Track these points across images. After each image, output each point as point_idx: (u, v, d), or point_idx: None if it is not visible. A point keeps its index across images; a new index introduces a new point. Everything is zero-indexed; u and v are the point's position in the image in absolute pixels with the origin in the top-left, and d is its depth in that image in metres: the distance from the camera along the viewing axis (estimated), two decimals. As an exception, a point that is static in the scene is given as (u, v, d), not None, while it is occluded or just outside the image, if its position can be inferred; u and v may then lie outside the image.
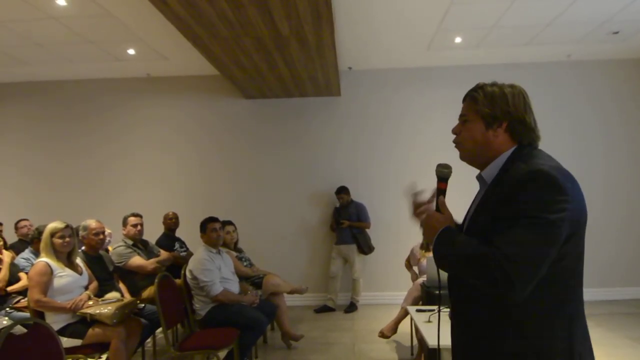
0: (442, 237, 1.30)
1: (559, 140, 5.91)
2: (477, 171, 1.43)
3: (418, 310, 3.52)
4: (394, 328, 4.27)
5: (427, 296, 4.04)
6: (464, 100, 1.43)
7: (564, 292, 1.21)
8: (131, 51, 5.60)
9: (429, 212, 1.40)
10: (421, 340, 3.47)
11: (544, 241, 1.13)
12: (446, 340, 1.46)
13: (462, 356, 1.36)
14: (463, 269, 1.24)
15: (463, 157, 1.42)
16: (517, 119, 1.33)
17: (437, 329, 1.54)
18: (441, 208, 1.40)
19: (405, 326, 4.24)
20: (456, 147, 1.43)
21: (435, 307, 3.39)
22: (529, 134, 1.34)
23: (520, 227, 1.13)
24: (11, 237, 5.33)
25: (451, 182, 1.47)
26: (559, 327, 1.19)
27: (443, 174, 1.46)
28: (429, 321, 3.18)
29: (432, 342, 2.73)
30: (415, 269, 4.56)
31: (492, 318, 1.25)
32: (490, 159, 1.36)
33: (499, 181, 1.29)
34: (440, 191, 1.44)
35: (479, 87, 1.39)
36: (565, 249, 1.17)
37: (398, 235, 6.02)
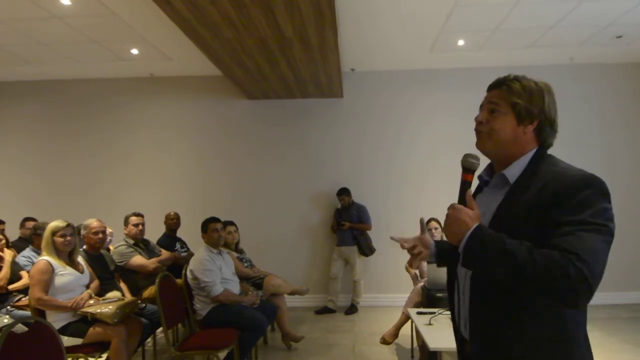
0: (479, 237, 1.16)
1: (559, 144, 5.85)
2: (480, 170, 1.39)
3: (419, 313, 3.51)
4: (395, 333, 4.27)
5: (427, 299, 4.04)
6: (494, 87, 1.33)
7: None
8: (135, 51, 5.61)
9: (455, 205, 1.23)
10: (422, 343, 3.47)
11: (608, 248, 1.11)
12: (446, 343, 1.46)
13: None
14: (524, 274, 1.08)
15: (484, 147, 1.33)
16: (549, 119, 1.29)
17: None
18: (469, 203, 1.24)
19: (406, 329, 4.23)
20: (479, 135, 1.33)
21: (435, 310, 3.39)
22: (552, 137, 1.31)
23: (589, 233, 1.08)
24: (13, 236, 5.34)
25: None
26: (573, 322, 1.20)
27: (471, 165, 1.32)
28: (430, 324, 3.17)
29: (432, 344, 2.73)
30: (417, 272, 4.56)
31: (522, 322, 1.19)
32: (512, 156, 1.29)
33: (528, 184, 1.22)
34: (466, 183, 1.30)
35: (515, 78, 1.30)
36: None
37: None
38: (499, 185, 1.32)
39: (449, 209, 1.24)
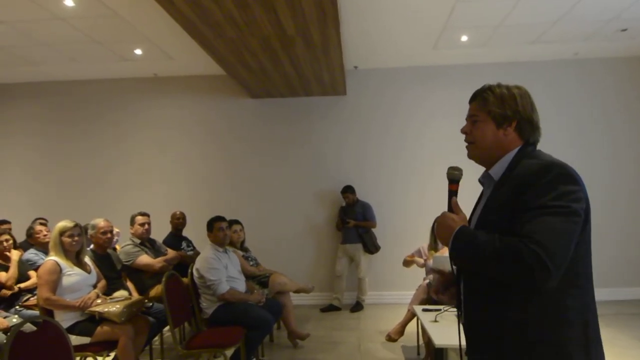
0: (461, 236, 1.31)
1: (563, 138, 5.88)
2: (480, 171, 1.47)
3: (424, 310, 3.51)
4: (401, 331, 4.27)
5: (433, 296, 4.04)
6: (473, 100, 1.47)
7: (575, 279, 1.25)
8: (138, 51, 5.63)
9: (444, 213, 1.42)
10: (428, 340, 3.47)
11: (571, 228, 1.19)
12: (452, 340, 1.47)
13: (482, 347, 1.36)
14: (491, 264, 1.22)
15: (473, 156, 1.46)
16: (526, 118, 1.38)
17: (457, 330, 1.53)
18: (454, 208, 1.43)
19: (411, 326, 4.24)
20: (467, 146, 1.47)
21: (441, 307, 3.39)
22: (534, 132, 1.41)
23: (547, 216, 1.17)
24: (20, 237, 5.38)
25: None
26: (571, 314, 1.24)
27: (454, 176, 1.51)
28: (435, 321, 3.17)
29: (438, 341, 2.73)
30: (419, 260, 4.53)
31: (509, 306, 1.26)
32: (499, 156, 1.40)
33: (507, 179, 1.33)
34: (452, 192, 1.49)
35: (488, 89, 1.43)
36: (580, 237, 1.23)
37: (404, 235, 6.01)
38: (487, 185, 1.45)
39: (438, 217, 1.42)
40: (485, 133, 1.41)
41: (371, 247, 6.04)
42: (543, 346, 1.22)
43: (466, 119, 1.49)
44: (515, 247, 1.16)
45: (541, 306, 1.23)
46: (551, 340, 1.22)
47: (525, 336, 1.24)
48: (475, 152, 1.45)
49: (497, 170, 1.40)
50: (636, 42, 5.74)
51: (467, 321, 1.41)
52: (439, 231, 1.39)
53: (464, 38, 5.48)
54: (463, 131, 1.48)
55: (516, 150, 1.39)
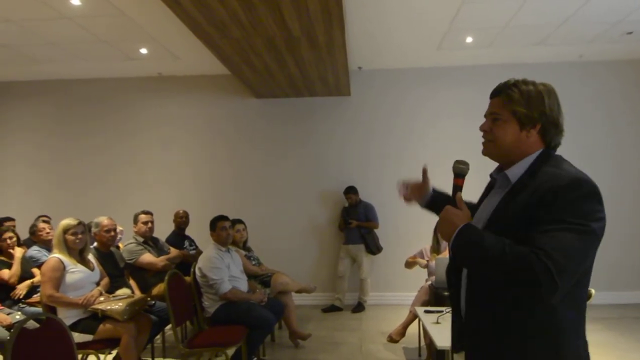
0: (465, 234, 1.26)
1: (567, 141, 5.77)
2: (489, 169, 1.44)
3: (426, 312, 3.51)
4: (403, 332, 4.27)
5: (435, 297, 4.03)
6: (495, 95, 1.37)
7: (578, 291, 1.25)
8: (144, 50, 5.65)
9: (447, 207, 1.34)
10: (429, 341, 3.47)
11: (586, 247, 1.16)
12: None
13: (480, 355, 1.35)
14: (497, 267, 1.18)
15: (488, 153, 1.40)
16: (552, 121, 1.32)
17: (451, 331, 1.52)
18: (459, 204, 1.35)
19: (413, 327, 4.23)
20: (485, 143, 1.40)
21: (443, 308, 3.39)
22: (558, 137, 1.35)
23: (567, 232, 1.14)
24: (25, 234, 5.41)
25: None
26: (571, 319, 1.24)
27: (460, 170, 1.43)
28: (438, 322, 3.17)
29: (440, 343, 2.73)
30: (422, 261, 4.52)
31: (512, 315, 1.25)
32: (517, 158, 1.34)
33: (527, 185, 1.27)
34: (457, 187, 1.41)
35: (513, 85, 1.34)
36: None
37: (406, 236, 6.00)
38: (502, 185, 1.38)
39: (441, 212, 1.34)
40: (507, 133, 1.33)
41: (373, 247, 6.03)
42: (542, 350, 1.22)
43: (485, 116, 1.40)
44: (527, 256, 1.12)
45: (544, 313, 1.22)
46: (550, 345, 1.22)
47: (525, 338, 1.23)
48: (493, 150, 1.37)
49: (516, 172, 1.33)
50: (642, 45, 5.71)
51: (468, 320, 1.37)
52: (441, 226, 1.33)
53: (469, 39, 5.46)
54: (482, 129, 1.39)
55: (537, 154, 1.32)
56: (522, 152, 1.33)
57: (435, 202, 1.71)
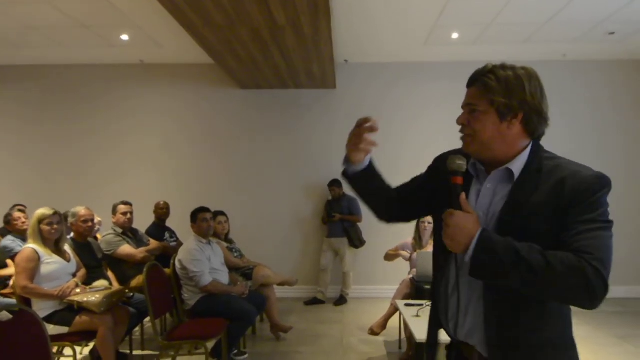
0: (488, 243, 1.11)
1: (553, 140, 5.89)
2: None
3: (407, 305, 3.53)
4: (384, 325, 4.28)
5: (416, 291, 4.06)
6: (471, 84, 1.25)
7: None
8: (125, 37, 5.52)
9: (454, 212, 1.16)
10: (410, 334, 3.48)
11: (611, 244, 1.13)
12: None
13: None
14: (544, 281, 1.07)
15: (471, 149, 1.26)
16: (534, 108, 1.20)
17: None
18: (464, 207, 1.17)
19: (394, 320, 4.25)
20: (463, 138, 1.27)
21: (423, 302, 3.41)
22: (542, 126, 1.24)
23: (600, 230, 1.11)
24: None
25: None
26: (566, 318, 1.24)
27: (458, 167, 1.23)
28: (418, 315, 3.19)
29: (419, 336, 2.74)
30: (405, 253, 4.52)
31: (527, 311, 1.19)
32: (504, 152, 1.23)
33: (532, 180, 1.18)
34: (458, 187, 1.21)
35: (490, 71, 1.21)
36: None
37: (389, 230, 5.92)
38: (502, 182, 1.25)
39: (445, 217, 1.17)
40: (486, 126, 1.20)
41: (356, 241, 6.04)
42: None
43: (462, 107, 1.27)
44: (577, 263, 1.05)
45: (563, 322, 1.23)
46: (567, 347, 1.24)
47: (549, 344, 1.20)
48: (475, 146, 1.24)
49: (518, 166, 1.22)
50: (624, 46, 5.80)
51: (489, 336, 1.20)
52: (453, 235, 1.14)
53: (455, 35, 5.47)
54: (459, 122, 1.26)
55: (529, 146, 1.24)
56: (508, 145, 1.22)
57: (366, 174, 1.42)
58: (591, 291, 1.05)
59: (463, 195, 1.19)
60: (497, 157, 1.24)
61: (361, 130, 1.32)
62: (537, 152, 1.24)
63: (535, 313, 1.18)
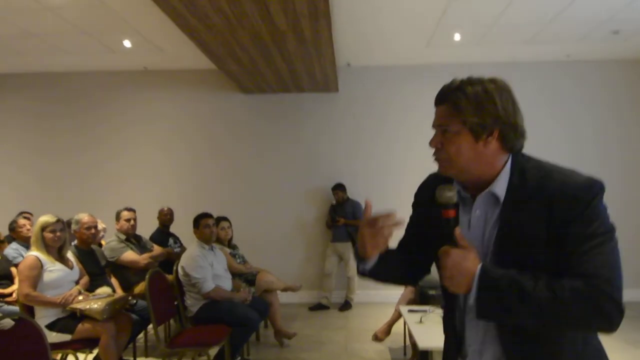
0: (489, 280, 1.04)
1: (555, 140, 5.88)
2: None
3: (410, 311, 3.49)
4: (388, 331, 4.24)
5: (421, 296, 4.01)
6: (440, 102, 1.19)
7: None
8: (127, 43, 5.54)
9: (450, 250, 1.08)
10: (414, 341, 3.44)
11: (618, 252, 1.06)
12: (437, 342, 1.42)
13: None
14: (554, 316, 1.02)
15: (447, 172, 1.19)
16: (509, 124, 1.12)
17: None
18: (460, 242, 1.09)
19: (399, 326, 4.21)
20: (439, 163, 1.19)
21: (427, 308, 3.37)
22: (519, 140, 1.15)
23: (604, 245, 1.03)
24: (5, 231, 5.29)
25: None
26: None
27: (448, 199, 1.13)
28: (421, 322, 3.15)
29: (422, 344, 2.70)
30: None
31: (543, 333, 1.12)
32: (483, 174, 1.15)
33: (518, 200, 1.11)
34: (451, 220, 1.12)
35: (457, 88, 1.15)
36: None
37: (394, 234, 5.96)
38: (489, 205, 1.17)
39: (442, 255, 1.09)
40: (461, 149, 1.13)
41: (361, 245, 5.99)
42: None
43: (433, 127, 1.19)
44: (588, 292, 0.99)
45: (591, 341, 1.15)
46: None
47: None
48: (452, 170, 1.17)
49: (501, 188, 1.14)
50: (628, 45, 5.74)
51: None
52: (453, 277, 1.07)
53: (458, 37, 5.44)
54: (432, 145, 1.18)
55: (508, 161, 1.15)
56: (486, 164, 1.14)
57: (383, 260, 1.32)
58: (606, 316, 1.00)
59: (458, 230, 1.11)
60: (479, 177, 1.16)
61: (384, 229, 1.24)
62: (519, 164, 1.15)
63: (559, 349, 1.11)
